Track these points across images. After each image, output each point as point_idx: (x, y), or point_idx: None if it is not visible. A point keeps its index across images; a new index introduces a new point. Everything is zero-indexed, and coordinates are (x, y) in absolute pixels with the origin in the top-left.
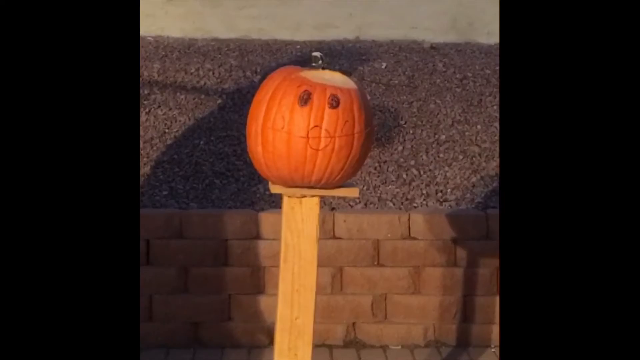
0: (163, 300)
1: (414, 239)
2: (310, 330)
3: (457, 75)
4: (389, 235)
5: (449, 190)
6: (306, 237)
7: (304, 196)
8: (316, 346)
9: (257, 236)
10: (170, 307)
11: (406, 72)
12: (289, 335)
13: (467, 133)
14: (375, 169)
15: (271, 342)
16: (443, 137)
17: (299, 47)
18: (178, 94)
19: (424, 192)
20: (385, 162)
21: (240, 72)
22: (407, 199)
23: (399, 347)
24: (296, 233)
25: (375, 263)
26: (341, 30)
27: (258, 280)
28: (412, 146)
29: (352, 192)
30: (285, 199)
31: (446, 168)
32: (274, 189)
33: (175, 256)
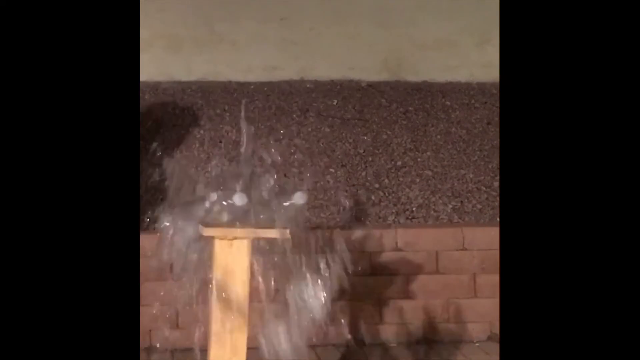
0: (188, 309)
1: (401, 250)
2: None
3: (400, 109)
4: (381, 248)
5: (414, 208)
6: (237, 279)
7: (235, 238)
8: (324, 346)
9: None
10: (194, 315)
11: (355, 107)
12: None
13: (419, 159)
14: (346, 191)
15: None
16: (399, 163)
17: (252, 87)
18: (160, 130)
19: (393, 210)
20: (353, 185)
21: (211, 111)
22: (380, 217)
23: (395, 344)
24: (227, 275)
25: (369, 272)
26: (287, 71)
27: (270, 290)
28: (373, 171)
29: (283, 234)
30: (216, 242)
31: (407, 190)
32: (208, 232)
33: (197, 271)
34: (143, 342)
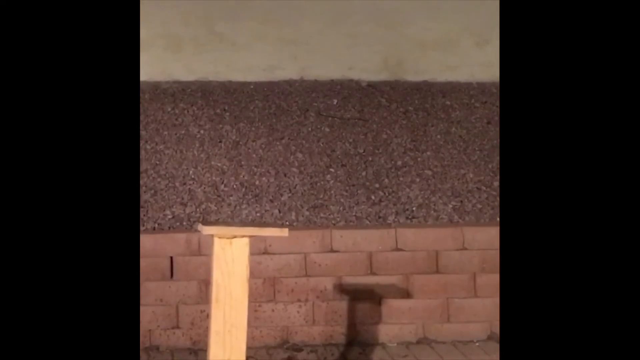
0: (188, 309)
1: (401, 250)
2: None
3: (400, 109)
4: (380, 247)
5: (414, 208)
6: (236, 277)
7: (235, 236)
8: (323, 345)
9: (265, 251)
10: (194, 315)
11: (355, 107)
12: None
13: (419, 159)
14: (346, 191)
15: (282, 342)
16: (399, 162)
17: (252, 87)
18: (160, 130)
19: (393, 210)
20: (353, 185)
21: (211, 110)
22: (380, 217)
23: (395, 344)
24: (227, 273)
25: (369, 272)
26: (287, 71)
27: (269, 289)
28: (373, 171)
29: (282, 232)
30: (215, 240)
31: (407, 189)
32: (207, 230)
33: (196, 271)
34: (143, 342)
